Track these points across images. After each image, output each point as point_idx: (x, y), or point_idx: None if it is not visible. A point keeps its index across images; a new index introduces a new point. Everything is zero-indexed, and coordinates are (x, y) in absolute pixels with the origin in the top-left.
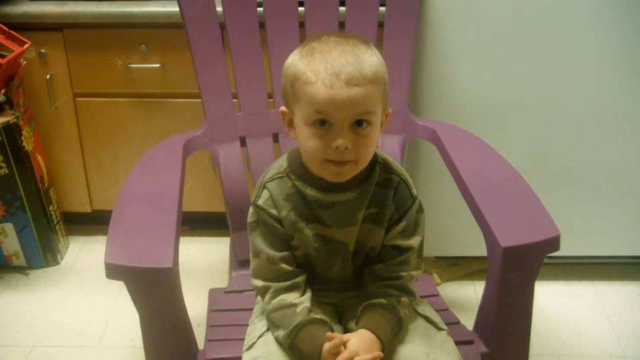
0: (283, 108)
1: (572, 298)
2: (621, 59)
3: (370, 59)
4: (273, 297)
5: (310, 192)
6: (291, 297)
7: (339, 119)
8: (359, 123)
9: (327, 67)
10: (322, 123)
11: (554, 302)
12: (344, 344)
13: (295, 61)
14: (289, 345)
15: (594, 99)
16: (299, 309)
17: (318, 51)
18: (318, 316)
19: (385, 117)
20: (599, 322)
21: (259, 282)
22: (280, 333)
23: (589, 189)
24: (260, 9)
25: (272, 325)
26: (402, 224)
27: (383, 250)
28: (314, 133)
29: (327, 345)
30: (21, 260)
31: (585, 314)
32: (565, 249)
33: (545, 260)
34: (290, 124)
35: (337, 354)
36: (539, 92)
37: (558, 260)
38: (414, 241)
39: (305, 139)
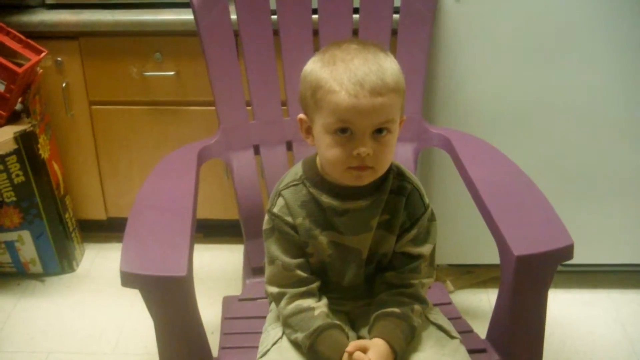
0: (301, 115)
1: (586, 306)
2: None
3: (391, 68)
4: (289, 303)
5: (325, 199)
6: (307, 302)
7: (361, 127)
8: (379, 131)
9: (351, 76)
10: (343, 131)
11: (567, 310)
12: (364, 351)
13: (316, 69)
14: (309, 346)
15: (610, 104)
16: (316, 312)
17: (340, 59)
18: (337, 322)
19: (400, 124)
20: (614, 331)
21: (274, 289)
22: (299, 336)
23: (603, 196)
24: (274, 17)
25: (290, 329)
26: (414, 231)
27: (394, 257)
28: (335, 141)
29: (346, 356)
30: (37, 267)
31: (599, 322)
32: (579, 257)
33: (559, 269)
34: (309, 131)
35: None
36: (554, 99)
37: (572, 269)
38: (425, 249)
39: (327, 148)
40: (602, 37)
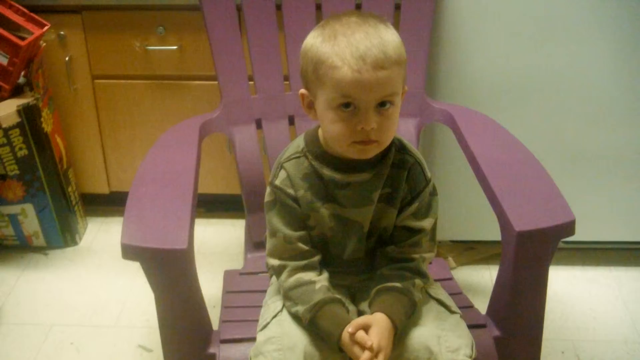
0: (303, 90)
1: (588, 283)
2: None
3: (392, 40)
4: (290, 276)
5: (326, 172)
6: (308, 275)
7: (365, 102)
8: (382, 104)
9: (353, 50)
10: (346, 106)
11: (570, 287)
12: (366, 329)
13: (317, 44)
14: (309, 320)
15: (614, 82)
16: (317, 286)
17: (341, 33)
18: (337, 296)
19: (402, 95)
20: (615, 308)
21: (275, 262)
22: (300, 309)
23: (606, 172)
24: None
25: (290, 302)
26: (415, 205)
27: (395, 231)
28: (339, 116)
29: (346, 333)
30: (40, 241)
31: (601, 299)
32: (582, 234)
33: (562, 245)
34: (310, 105)
35: (358, 343)
36: (557, 73)
37: (575, 245)
38: (426, 223)
39: (330, 123)
40: (610, 13)
